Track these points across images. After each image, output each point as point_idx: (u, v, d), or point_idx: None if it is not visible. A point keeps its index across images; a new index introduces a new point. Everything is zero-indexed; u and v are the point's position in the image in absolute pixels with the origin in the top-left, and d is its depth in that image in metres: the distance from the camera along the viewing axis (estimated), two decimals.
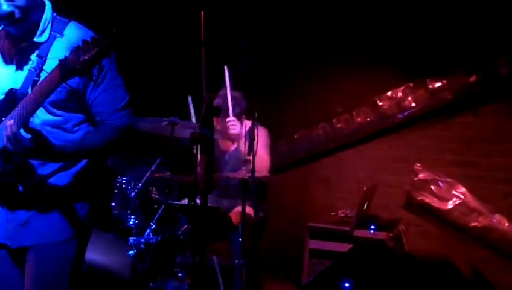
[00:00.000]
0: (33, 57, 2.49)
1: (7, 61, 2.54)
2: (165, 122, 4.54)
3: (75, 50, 2.13)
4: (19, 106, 2.27)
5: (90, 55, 2.09)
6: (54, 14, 2.56)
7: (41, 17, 2.50)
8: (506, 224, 5.39)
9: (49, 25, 2.51)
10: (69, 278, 2.56)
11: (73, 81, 2.44)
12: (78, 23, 2.56)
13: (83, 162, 2.57)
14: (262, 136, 4.79)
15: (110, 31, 2.13)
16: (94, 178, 2.63)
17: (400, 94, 5.86)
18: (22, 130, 2.26)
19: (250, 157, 4.29)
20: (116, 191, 4.66)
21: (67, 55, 2.16)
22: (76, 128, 2.54)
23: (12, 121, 2.23)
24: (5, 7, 2.35)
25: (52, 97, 2.40)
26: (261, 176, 4.85)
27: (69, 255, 2.56)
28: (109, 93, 2.53)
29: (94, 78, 2.28)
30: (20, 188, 2.49)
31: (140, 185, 4.56)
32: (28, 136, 2.26)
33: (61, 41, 2.44)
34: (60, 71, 2.16)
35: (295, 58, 6.36)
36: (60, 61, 2.17)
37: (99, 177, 2.68)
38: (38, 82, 2.29)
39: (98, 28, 2.25)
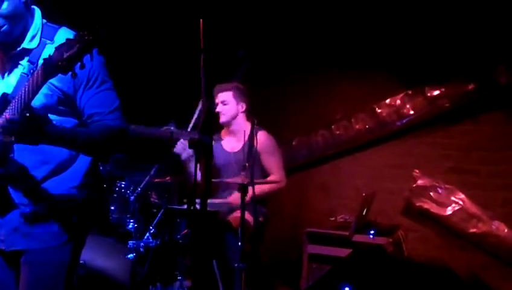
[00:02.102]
0: (24, 62, 2.51)
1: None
2: (164, 128, 4.56)
3: (59, 47, 2.15)
4: (13, 101, 2.28)
5: (73, 52, 2.11)
6: (44, 21, 2.59)
7: (31, 24, 2.53)
8: (505, 230, 5.38)
9: (39, 31, 2.54)
10: (64, 283, 2.55)
11: (64, 85, 2.47)
12: (69, 28, 2.58)
13: (77, 168, 2.58)
14: (264, 141, 4.80)
15: (92, 27, 2.14)
16: (89, 185, 2.62)
17: (398, 101, 5.87)
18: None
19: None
20: (115, 195, 4.65)
21: (51, 53, 2.17)
22: None
23: (8, 113, 2.25)
24: None
25: (43, 101, 2.44)
26: (280, 187, 4.89)
27: (64, 260, 2.55)
28: (100, 96, 2.53)
29: (78, 76, 2.25)
30: (13, 192, 2.49)
31: (139, 189, 4.57)
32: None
33: (52, 47, 2.43)
34: (43, 68, 2.18)
35: (294, 65, 6.37)
36: (44, 59, 2.18)
37: (94, 183, 2.67)
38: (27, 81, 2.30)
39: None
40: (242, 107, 4.93)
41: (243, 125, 4.88)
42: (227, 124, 4.95)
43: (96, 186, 2.69)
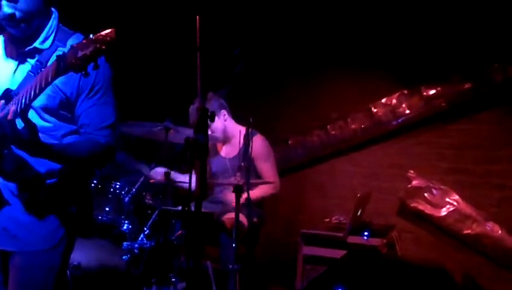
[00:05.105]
0: (33, 61, 2.50)
1: (8, 62, 2.56)
2: (159, 127, 4.55)
3: (74, 46, 2.12)
4: (18, 95, 2.27)
5: (88, 51, 2.09)
6: (60, 24, 2.58)
7: (46, 24, 2.52)
8: (499, 231, 5.39)
9: (53, 33, 2.53)
10: (53, 286, 2.54)
11: (68, 89, 2.46)
12: (82, 35, 2.55)
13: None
14: (259, 147, 4.79)
15: (110, 29, 2.13)
16: (78, 188, 2.63)
17: (394, 101, 5.86)
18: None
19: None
20: (110, 195, 4.64)
21: (65, 51, 2.15)
22: (64, 139, 2.54)
23: (13, 107, 2.23)
24: (6, 9, 2.37)
25: (45, 102, 2.44)
26: (275, 192, 4.88)
27: (54, 264, 2.54)
28: (99, 108, 2.53)
29: (83, 83, 2.28)
30: (3, 190, 2.48)
31: (134, 190, 4.56)
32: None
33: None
34: (56, 65, 2.15)
35: (290, 64, 6.37)
36: (57, 56, 2.16)
37: (83, 186, 2.68)
38: (37, 75, 2.28)
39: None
40: (224, 115, 4.91)
41: (236, 129, 4.87)
42: (224, 138, 4.97)
43: (85, 190, 2.72)
